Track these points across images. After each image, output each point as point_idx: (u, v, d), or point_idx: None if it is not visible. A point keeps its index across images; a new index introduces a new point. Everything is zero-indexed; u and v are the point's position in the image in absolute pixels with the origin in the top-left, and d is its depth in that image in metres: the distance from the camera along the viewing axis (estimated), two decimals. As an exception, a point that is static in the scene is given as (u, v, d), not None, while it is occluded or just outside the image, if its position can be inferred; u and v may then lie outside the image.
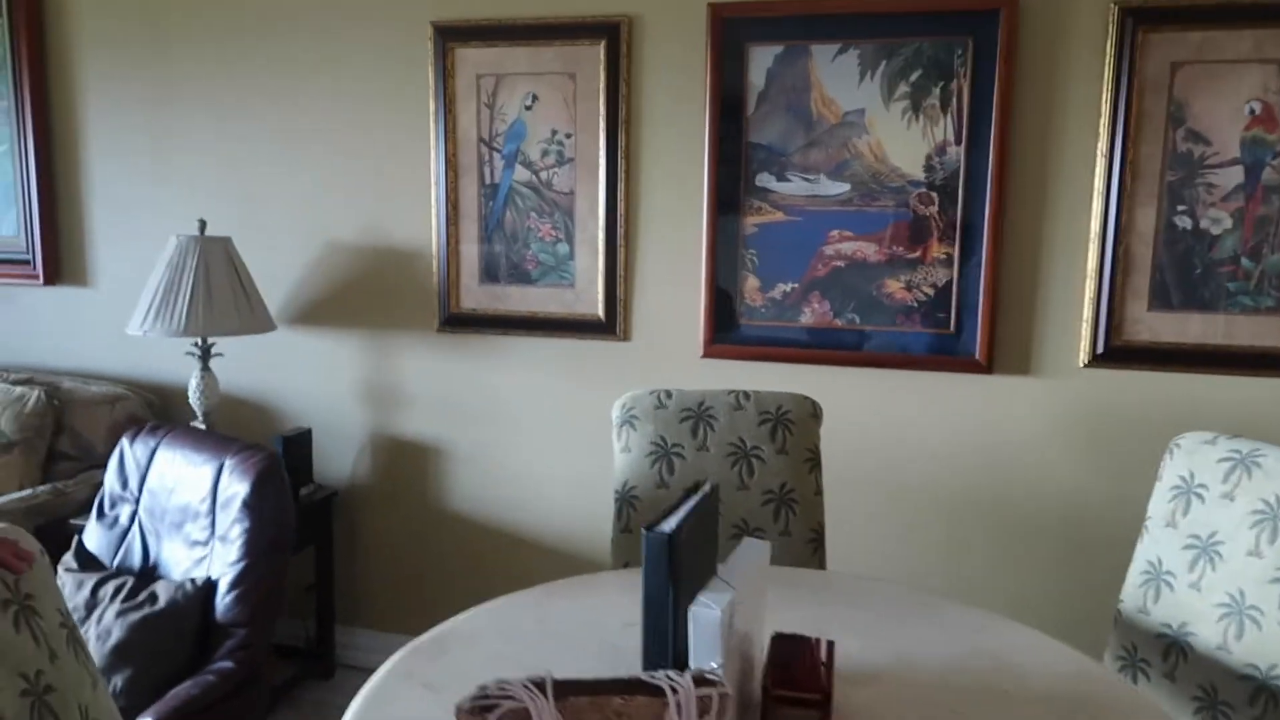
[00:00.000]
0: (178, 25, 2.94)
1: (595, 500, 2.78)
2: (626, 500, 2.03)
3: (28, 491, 2.69)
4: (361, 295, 2.89)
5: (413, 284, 2.84)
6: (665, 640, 1.18)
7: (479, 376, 2.83)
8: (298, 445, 2.81)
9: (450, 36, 2.71)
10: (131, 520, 2.11)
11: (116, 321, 3.14)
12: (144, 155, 3.03)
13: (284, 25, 2.84)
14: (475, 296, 2.79)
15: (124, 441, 2.17)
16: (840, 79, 2.45)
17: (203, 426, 2.78)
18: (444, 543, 2.91)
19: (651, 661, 1.19)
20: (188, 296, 2.61)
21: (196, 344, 2.77)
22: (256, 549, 1.86)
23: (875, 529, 2.59)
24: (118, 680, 1.79)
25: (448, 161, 2.75)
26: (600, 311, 2.69)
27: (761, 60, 2.50)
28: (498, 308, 2.78)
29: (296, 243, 2.92)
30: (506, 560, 2.86)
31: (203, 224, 2.72)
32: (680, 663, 1.18)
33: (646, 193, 2.63)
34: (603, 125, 2.62)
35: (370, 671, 2.96)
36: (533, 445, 2.81)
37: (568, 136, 2.67)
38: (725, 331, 2.60)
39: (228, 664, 1.80)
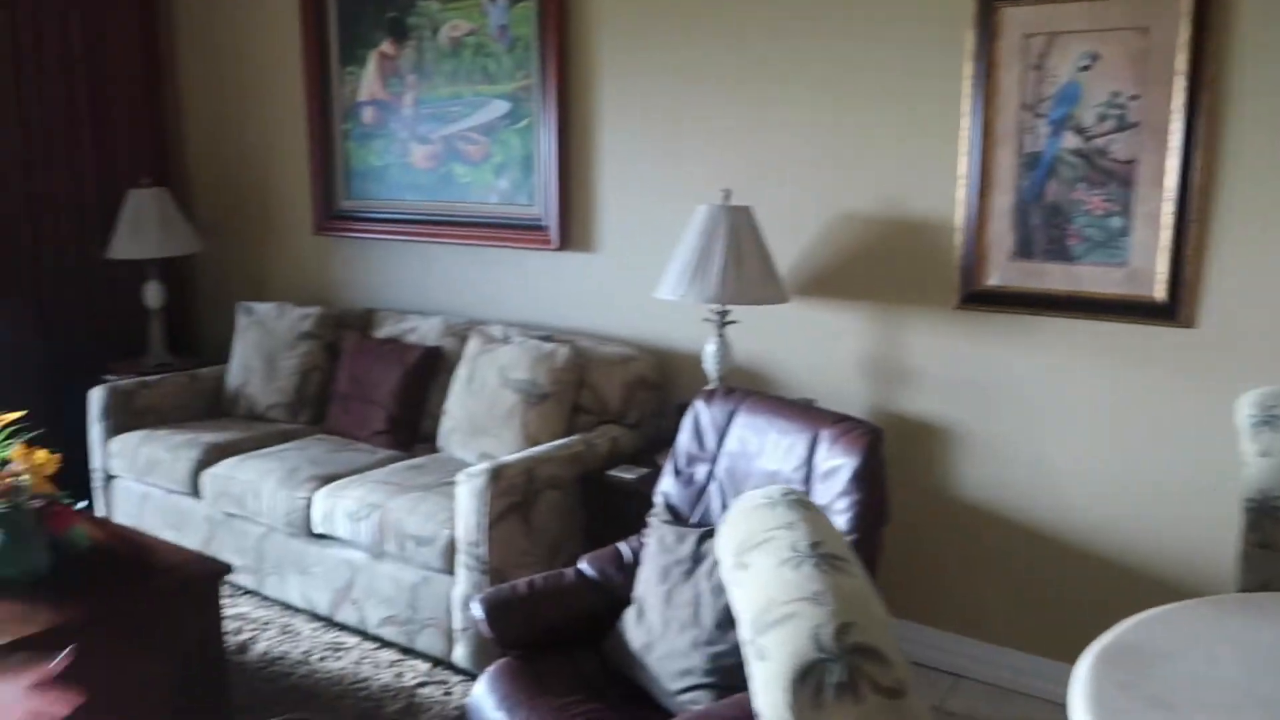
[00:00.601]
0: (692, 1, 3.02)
1: (1146, 506, 2.52)
2: (1266, 511, 1.79)
3: (563, 441, 2.92)
4: (872, 268, 2.83)
5: (929, 259, 2.74)
6: None
7: (1000, 358, 2.67)
8: (803, 416, 2.82)
9: (996, -5, 2.54)
10: (708, 479, 2.20)
11: (618, 286, 3.33)
12: (652, 129, 3.16)
13: (808, -7, 2.82)
14: (1004, 273, 2.63)
15: (698, 405, 2.26)
16: None
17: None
18: (954, 531, 2.80)
19: None
20: (720, 264, 2.68)
21: (715, 311, 2.86)
22: (865, 522, 1.85)
23: None
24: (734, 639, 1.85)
25: (984, 129, 2.60)
26: (1159, 294, 2.43)
27: None
28: (1030, 285, 2.60)
29: (807, 213, 2.91)
30: (1032, 559, 2.69)
31: (727, 193, 2.78)
32: None
33: (1231, 161, 2.33)
34: (1180, 85, 2.34)
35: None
36: (1060, 438, 2.61)
37: (1132, 99, 2.42)
38: (1332, 322, 2.24)
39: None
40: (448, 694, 2.65)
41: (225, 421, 3.67)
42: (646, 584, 2.05)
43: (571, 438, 2.96)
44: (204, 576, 2.31)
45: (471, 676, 2.71)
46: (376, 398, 3.39)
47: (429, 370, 3.41)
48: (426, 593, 2.73)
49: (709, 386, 2.91)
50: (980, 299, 2.67)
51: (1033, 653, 2.69)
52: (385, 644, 2.90)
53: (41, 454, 2.39)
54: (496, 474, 2.60)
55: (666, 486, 2.26)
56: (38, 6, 3.91)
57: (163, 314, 4.22)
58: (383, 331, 3.65)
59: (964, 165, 2.64)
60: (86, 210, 4.16)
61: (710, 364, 2.88)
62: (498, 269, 3.61)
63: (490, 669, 2.01)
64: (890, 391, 2.85)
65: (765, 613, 0.86)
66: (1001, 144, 2.59)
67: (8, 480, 2.33)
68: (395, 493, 2.84)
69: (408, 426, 3.38)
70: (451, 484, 2.89)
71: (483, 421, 3.10)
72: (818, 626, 0.80)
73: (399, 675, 2.74)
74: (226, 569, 2.35)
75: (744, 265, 2.70)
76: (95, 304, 4.24)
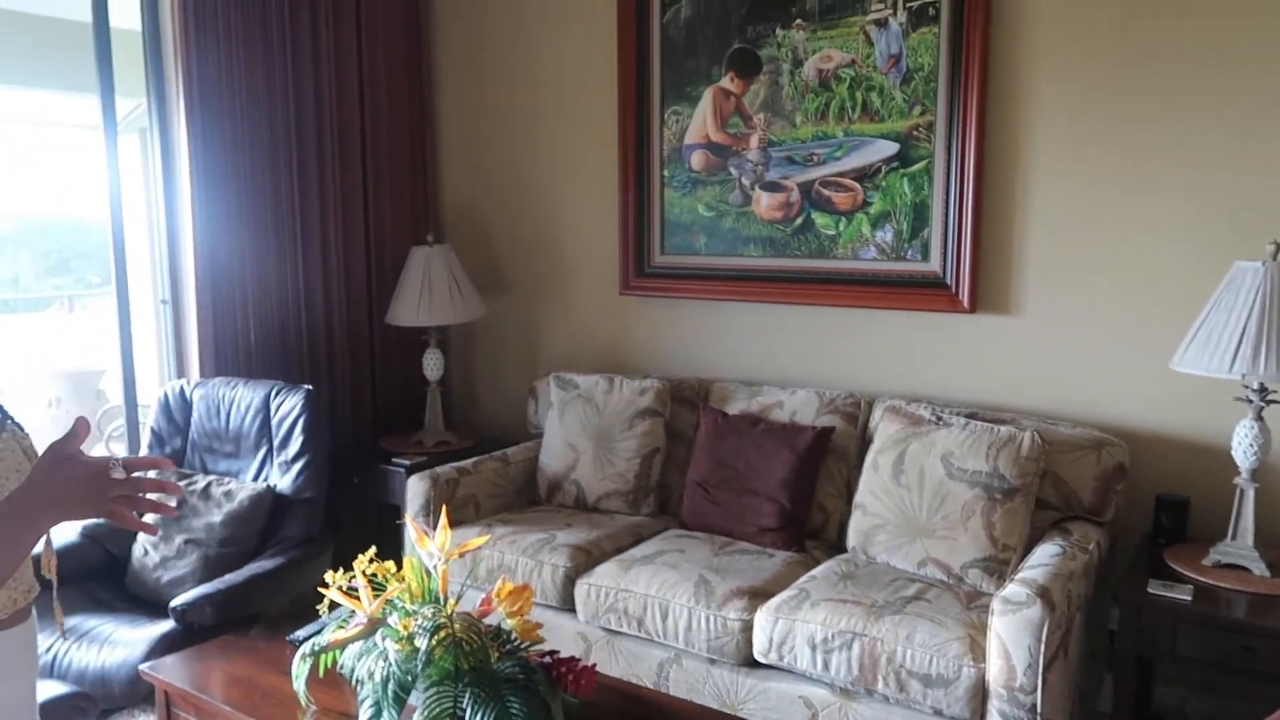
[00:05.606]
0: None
1: None
2: None
3: (1054, 549, 2.39)
4: None
5: None
6: None
7: None
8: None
9: None
10: None
11: (1047, 354, 2.82)
12: (1107, 166, 2.69)
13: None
14: None
15: None
16: None
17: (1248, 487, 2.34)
18: None
19: None
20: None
21: (1253, 388, 2.34)
22: None
23: None
24: None
25: None
26: None
27: None
28: None
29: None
30: None
31: (1276, 248, 2.28)
32: None
33: None
34: None
35: None
36: None
37: None
38: None
39: None
40: None
41: (553, 513, 3.17)
42: None
43: (1056, 544, 2.43)
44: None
45: None
46: (759, 488, 2.89)
47: (820, 455, 2.91)
48: (933, 744, 2.20)
49: (1240, 481, 2.38)
50: None
51: None
52: (847, 801, 2.37)
53: (510, 585, 1.91)
54: (1048, 599, 2.08)
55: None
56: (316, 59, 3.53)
57: (438, 386, 3.77)
58: (733, 407, 3.15)
59: None
60: (352, 277, 3.73)
61: (1244, 453, 2.35)
62: (879, 336, 3.11)
63: None
64: None
65: None
66: None
67: (488, 627, 1.85)
68: (870, 615, 2.32)
69: (798, 522, 2.87)
70: (918, 600, 2.39)
71: (924, 520, 2.58)
72: None
73: None
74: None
75: (1320, 334, 2.19)
76: (360, 377, 3.80)
